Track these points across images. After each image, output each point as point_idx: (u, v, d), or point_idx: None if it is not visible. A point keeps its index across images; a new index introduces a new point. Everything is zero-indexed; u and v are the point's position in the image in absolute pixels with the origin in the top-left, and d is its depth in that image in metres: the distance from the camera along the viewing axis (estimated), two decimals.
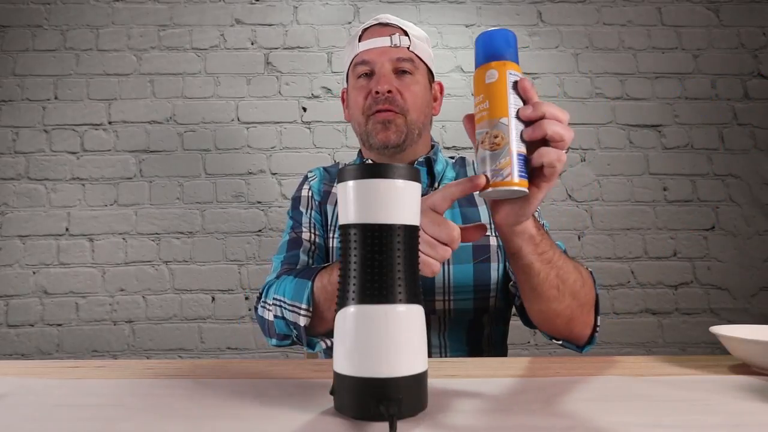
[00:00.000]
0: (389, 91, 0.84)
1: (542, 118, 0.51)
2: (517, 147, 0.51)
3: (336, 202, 0.92)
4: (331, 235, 0.90)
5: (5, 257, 1.80)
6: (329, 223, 0.91)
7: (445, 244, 0.54)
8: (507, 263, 0.87)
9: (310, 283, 0.71)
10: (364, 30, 0.90)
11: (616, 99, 1.94)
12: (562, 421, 0.40)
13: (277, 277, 0.82)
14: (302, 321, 0.71)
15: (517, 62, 0.53)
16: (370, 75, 0.87)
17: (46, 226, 1.82)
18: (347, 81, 0.95)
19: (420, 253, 0.52)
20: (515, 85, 0.52)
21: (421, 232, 0.52)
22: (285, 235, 0.93)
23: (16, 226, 1.81)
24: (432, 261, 0.54)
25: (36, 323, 1.77)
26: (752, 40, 1.97)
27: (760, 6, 1.99)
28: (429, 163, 0.91)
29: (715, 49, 1.97)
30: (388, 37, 0.86)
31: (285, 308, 0.74)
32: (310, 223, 0.91)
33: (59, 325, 1.78)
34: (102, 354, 1.77)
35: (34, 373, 0.58)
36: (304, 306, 0.71)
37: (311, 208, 0.93)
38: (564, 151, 0.53)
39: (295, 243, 0.89)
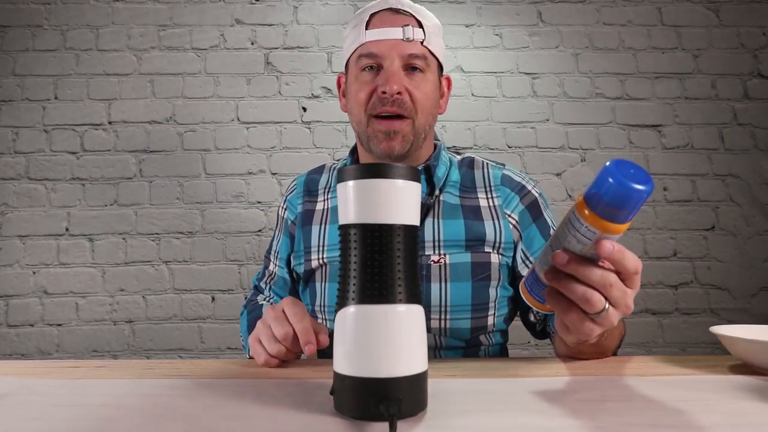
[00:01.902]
0: (398, 93, 0.75)
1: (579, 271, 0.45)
2: (539, 266, 0.48)
3: (321, 220, 0.86)
4: (317, 257, 0.83)
5: (5, 257, 1.80)
6: (318, 243, 0.84)
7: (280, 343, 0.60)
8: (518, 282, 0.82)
9: (246, 339, 0.78)
10: (372, 15, 0.79)
11: (616, 99, 1.94)
12: (562, 421, 0.40)
13: (248, 303, 0.93)
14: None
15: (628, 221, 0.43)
16: (376, 69, 0.77)
17: (46, 226, 1.82)
18: (346, 68, 0.84)
19: (257, 344, 0.62)
20: (598, 243, 0.43)
21: (267, 326, 0.61)
22: (268, 249, 0.96)
23: (16, 226, 1.81)
24: (262, 353, 0.61)
25: (36, 323, 1.77)
26: (752, 40, 1.97)
27: (760, 6, 1.99)
28: (428, 170, 0.83)
29: (715, 49, 1.97)
30: (401, 29, 0.76)
31: (246, 347, 0.81)
32: (275, 252, 0.93)
33: (59, 325, 1.78)
34: (102, 354, 1.77)
35: (34, 373, 0.58)
36: (248, 356, 0.76)
37: (282, 232, 0.92)
38: (598, 312, 0.45)
39: (264, 270, 0.96)
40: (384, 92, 0.74)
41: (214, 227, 1.84)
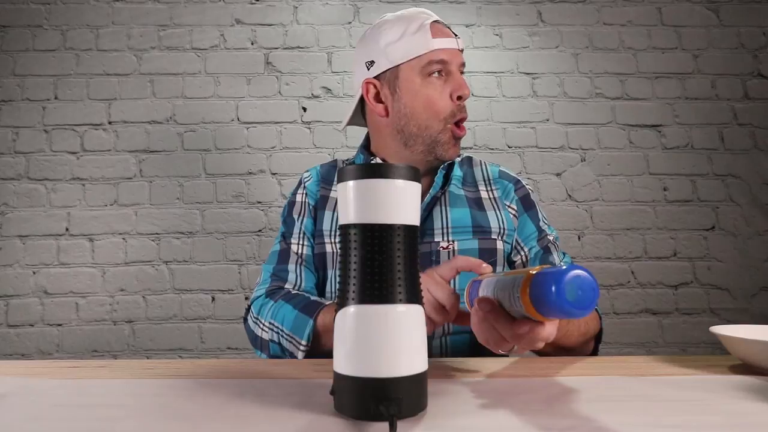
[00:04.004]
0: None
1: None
2: (485, 285, 0.54)
3: (335, 207, 0.89)
4: (331, 241, 0.87)
5: (5, 257, 1.80)
6: (329, 228, 0.88)
7: (445, 310, 0.59)
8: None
9: (311, 321, 0.72)
10: (432, 24, 0.84)
11: (616, 99, 1.94)
12: (562, 421, 0.40)
13: (268, 294, 0.83)
14: (300, 355, 0.74)
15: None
16: (444, 75, 0.83)
17: (46, 226, 1.82)
18: (385, 75, 0.85)
19: None
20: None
21: (426, 292, 0.58)
22: (276, 242, 0.92)
23: (16, 226, 1.81)
24: (428, 320, 0.58)
25: (36, 323, 1.77)
26: (752, 40, 1.97)
27: (760, 6, 1.99)
28: (450, 166, 0.91)
29: (715, 49, 1.97)
30: (455, 39, 0.84)
31: (282, 336, 0.76)
32: (300, 232, 0.90)
33: (59, 325, 1.78)
34: (102, 354, 1.77)
35: (34, 373, 0.58)
36: (303, 342, 0.73)
37: (304, 215, 0.91)
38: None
39: (284, 255, 0.89)
40: (459, 97, 0.82)
41: (214, 227, 1.84)
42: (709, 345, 1.79)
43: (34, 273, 1.80)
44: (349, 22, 1.95)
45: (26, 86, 1.88)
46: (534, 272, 0.44)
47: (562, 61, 1.95)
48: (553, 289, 0.40)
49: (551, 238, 0.89)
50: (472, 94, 1.92)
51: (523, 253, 0.88)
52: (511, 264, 0.88)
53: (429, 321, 0.59)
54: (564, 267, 0.41)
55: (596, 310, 0.79)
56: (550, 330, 0.46)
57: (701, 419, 0.40)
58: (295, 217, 0.92)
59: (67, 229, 1.82)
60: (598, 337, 0.78)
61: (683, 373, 0.57)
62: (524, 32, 1.96)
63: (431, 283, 0.59)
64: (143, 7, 1.93)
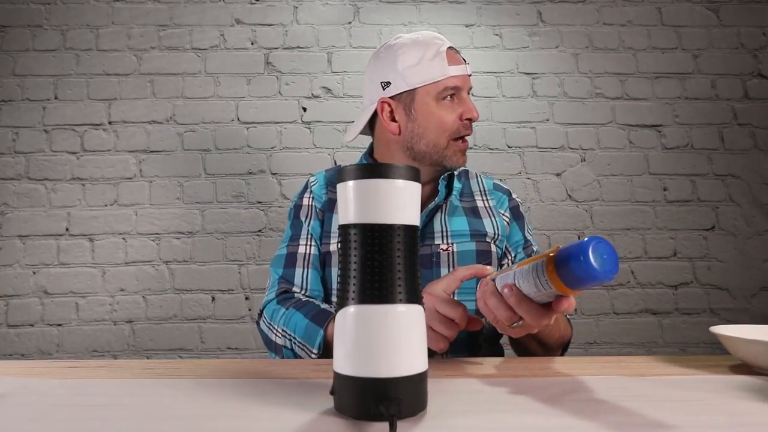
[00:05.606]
0: None
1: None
2: (501, 277, 0.58)
3: None
4: (333, 241, 0.91)
5: (5, 257, 1.80)
6: (333, 230, 0.93)
7: (455, 323, 0.62)
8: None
9: (322, 331, 0.75)
10: (447, 50, 0.89)
11: (616, 99, 1.94)
12: (562, 421, 0.40)
13: (278, 300, 0.87)
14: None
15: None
16: (456, 98, 0.90)
17: (46, 226, 1.82)
18: (404, 95, 0.89)
19: (431, 330, 0.62)
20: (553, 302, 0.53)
21: (434, 311, 0.62)
22: (283, 246, 0.94)
23: (16, 226, 1.81)
24: (442, 338, 0.61)
25: (36, 323, 1.77)
26: (752, 40, 1.97)
27: (760, 6, 1.99)
28: (451, 177, 0.98)
29: (715, 49, 1.97)
30: (465, 66, 0.91)
31: (295, 344, 0.79)
32: (308, 234, 0.93)
33: (59, 325, 1.78)
34: (102, 354, 1.77)
35: (34, 373, 0.58)
36: (315, 350, 0.76)
37: (311, 218, 0.95)
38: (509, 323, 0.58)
39: (291, 259, 0.92)
40: (469, 119, 0.89)
41: (214, 227, 1.84)
42: (709, 345, 1.79)
43: (34, 273, 1.80)
44: (349, 22, 1.95)
45: (26, 86, 1.88)
46: (552, 254, 0.48)
47: (562, 61, 1.95)
48: (582, 259, 0.44)
49: (534, 249, 0.97)
50: (473, 94, 1.92)
51: (509, 257, 0.95)
52: (499, 267, 0.95)
53: (442, 338, 0.61)
54: (585, 239, 0.45)
55: (569, 321, 0.86)
56: (572, 301, 0.53)
57: (701, 419, 0.41)
58: (303, 219, 0.95)
59: (67, 229, 1.82)
60: (565, 346, 0.85)
61: (683, 373, 0.57)
62: (524, 32, 1.96)
63: (436, 302, 0.62)
64: (143, 7, 1.93)
